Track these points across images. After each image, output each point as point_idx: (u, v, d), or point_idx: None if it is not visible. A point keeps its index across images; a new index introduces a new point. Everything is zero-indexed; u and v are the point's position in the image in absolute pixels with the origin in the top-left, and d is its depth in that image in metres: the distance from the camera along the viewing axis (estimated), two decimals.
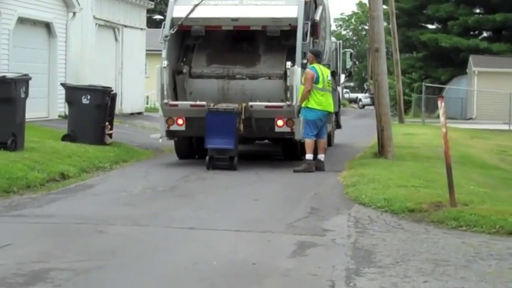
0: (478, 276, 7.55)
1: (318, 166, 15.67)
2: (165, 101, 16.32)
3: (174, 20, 16.92)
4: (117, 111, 22.18)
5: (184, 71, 17.05)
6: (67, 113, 20.09)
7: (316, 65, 15.73)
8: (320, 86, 15.59)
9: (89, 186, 13.30)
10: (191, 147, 17.82)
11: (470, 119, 47.30)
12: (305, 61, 16.48)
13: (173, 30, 16.81)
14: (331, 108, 16.00)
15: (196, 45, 17.50)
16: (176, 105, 16.49)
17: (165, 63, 16.37)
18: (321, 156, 15.90)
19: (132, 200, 11.93)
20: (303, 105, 15.58)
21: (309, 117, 15.61)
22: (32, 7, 23.63)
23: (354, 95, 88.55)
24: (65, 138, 17.62)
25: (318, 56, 15.97)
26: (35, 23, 24.14)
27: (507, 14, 52.93)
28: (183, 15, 16.91)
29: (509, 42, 54.30)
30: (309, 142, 15.67)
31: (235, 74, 17.01)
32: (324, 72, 15.73)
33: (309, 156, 15.61)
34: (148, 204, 11.52)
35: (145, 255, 8.22)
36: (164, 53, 16.64)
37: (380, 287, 7.14)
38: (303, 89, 15.65)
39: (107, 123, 18.11)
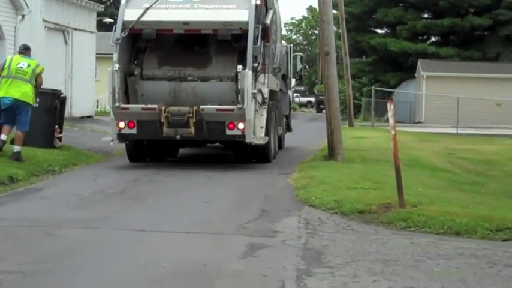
0: (427, 275, 7.65)
1: (14, 157, 15.16)
2: (117, 104, 16.28)
3: (125, 23, 16.85)
4: (66, 114, 21.98)
5: (136, 72, 16.99)
6: None
7: (10, 56, 15.84)
8: (5, 73, 15.40)
9: (38, 190, 13.18)
10: (143, 150, 17.79)
11: (419, 122, 47.78)
12: (256, 64, 16.55)
13: (124, 33, 16.74)
14: (16, 94, 15.32)
15: (147, 47, 17.44)
16: (127, 109, 16.46)
17: (116, 66, 16.32)
18: (16, 148, 15.28)
19: (81, 203, 11.85)
20: None
21: None
22: None
23: (304, 99, 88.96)
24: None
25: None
26: None
27: (454, 19, 53.61)
28: (135, 18, 16.83)
29: (456, 47, 54.97)
30: None
31: (187, 75, 16.98)
32: (15, 60, 15.55)
33: None
34: (98, 207, 11.45)
35: (95, 258, 8.18)
36: (115, 56, 16.58)
37: (330, 286, 7.21)
38: None
39: (56, 126, 17.93)
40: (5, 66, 15.50)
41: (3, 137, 15.41)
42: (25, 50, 16.02)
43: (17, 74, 15.44)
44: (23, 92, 15.43)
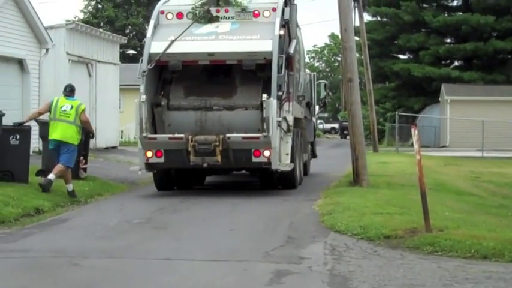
0: None
1: (44, 182, 15.49)
2: (144, 134, 16.42)
3: (151, 56, 17.02)
4: (91, 145, 22.12)
5: (163, 103, 17.14)
6: (41, 148, 19.99)
7: (56, 97, 16.18)
8: (51, 116, 15.82)
9: (63, 220, 13.24)
10: (170, 179, 17.93)
11: (444, 146, 47.56)
12: (280, 93, 16.64)
13: (151, 65, 16.90)
14: (57, 136, 15.63)
15: (173, 78, 17.61)
16: (155, 139, 16.59)
17: (144, 97, 16.48)
18: (50, 175, 15.55)
19: (107, 233, 11.87)
20: None
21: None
22: (4, 44, 23.58)
23: (328, 126, 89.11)
24: (39, 173, 17.48)
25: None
26: (7, 59, 24.07)
27: (477, 43, 53.46)
28: (160, 50, 17.01)
29: (480, 71, 54.80)
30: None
31: (213, 105, 17.11)
32: (60, 103, 15.80)
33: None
34: (123, 237, 11.47)
35: (122, 287, 8.18)
36: (142, 88, 16.74)
37: None
38: None
39: (81, 157, 18.04)
40: (51, 108, 15.80)
41: (51, 176, 15.61)
42: (70, 92, 16.17)
43: (61, 117, 15.73)
44: (65, 133, 15.67)
